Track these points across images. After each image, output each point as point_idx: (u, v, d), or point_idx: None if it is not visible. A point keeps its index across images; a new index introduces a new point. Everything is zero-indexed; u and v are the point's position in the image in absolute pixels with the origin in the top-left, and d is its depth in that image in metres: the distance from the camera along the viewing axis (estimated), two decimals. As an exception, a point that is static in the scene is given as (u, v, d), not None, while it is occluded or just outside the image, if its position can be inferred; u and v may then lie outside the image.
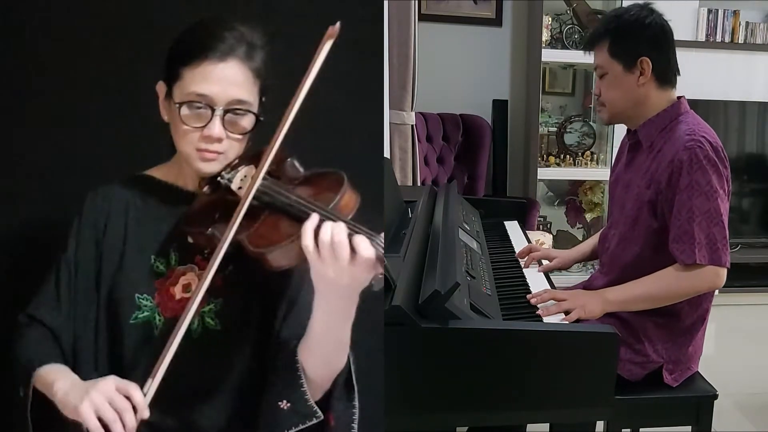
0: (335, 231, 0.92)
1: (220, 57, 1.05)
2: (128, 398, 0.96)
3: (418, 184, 3.18)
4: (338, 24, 1.01)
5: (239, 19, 1.10)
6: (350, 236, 0.93)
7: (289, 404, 1.01)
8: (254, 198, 1.02)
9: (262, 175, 1.02)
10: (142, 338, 1.10)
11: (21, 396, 1.05)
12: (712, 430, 1.60)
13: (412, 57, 2.99)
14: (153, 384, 0.97)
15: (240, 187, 1.07)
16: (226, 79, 1.06)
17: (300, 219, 0.96)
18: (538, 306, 1.45)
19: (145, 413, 0.96)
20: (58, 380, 1.03)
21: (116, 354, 1.11)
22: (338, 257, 0.92)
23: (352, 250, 0.92)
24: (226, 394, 1.10)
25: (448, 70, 3.63)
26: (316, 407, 1.02)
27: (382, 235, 0.95)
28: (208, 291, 1.05)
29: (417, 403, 1.18)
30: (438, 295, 1.13)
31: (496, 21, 3.71)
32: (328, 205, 0.97)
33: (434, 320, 1.15)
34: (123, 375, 1.08)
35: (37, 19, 1.30)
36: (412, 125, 3.10)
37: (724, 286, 1.46)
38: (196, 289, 1.01)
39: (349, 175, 1.05)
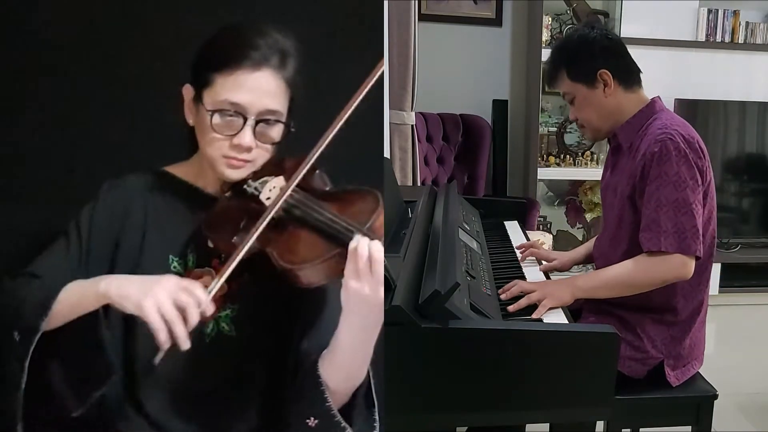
0: (374, 249, 0.93)
1: (254, 66, 1.05)
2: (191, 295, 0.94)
3: (418, 184, 3.18)
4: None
5: (273, 25, 1.09)
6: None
7: (317, 421, 1.01)
8: (284, 211, 1.02)
9: (293, 184, 1.02)
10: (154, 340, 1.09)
11: (18, 341, 1.00)
12: (712, 430, 1.60)
13: (412, 57, 2.99)
14: (218, 283, 0.96)
15: (268, 198, 1.06)
16: (260, 89, 1.05)
17: (332, 236, 0.97)
18: (508, 300, 1.44)
19: (209, 310, 0.95)
20: (102, 280, 0.99)
21: (129, 353, 1.09)
22: (375, 274, 0.93)
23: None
24: (240, 401, 1.10)
25: (448, 70, 3.63)
26: (343, 422, 1.01)
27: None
28: (224, 296, 1.05)
29: (417, 403, 1.18)
30: (438, 295, 1.13)
31: (496, 21, 3.71)
32: (364, 224, 0.97)
33: (434, 320, 1.14)
34: (134, 376, 1.09)
35: (37, 19, 1.30)
36: (412, 125, 3.10)
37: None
38: (210, 287, 1.00)
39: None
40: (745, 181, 3.81)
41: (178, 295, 0.94)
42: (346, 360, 1.01)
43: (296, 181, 1.02)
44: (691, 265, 1.45)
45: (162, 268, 1.11)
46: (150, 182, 1.15)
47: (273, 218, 1.02)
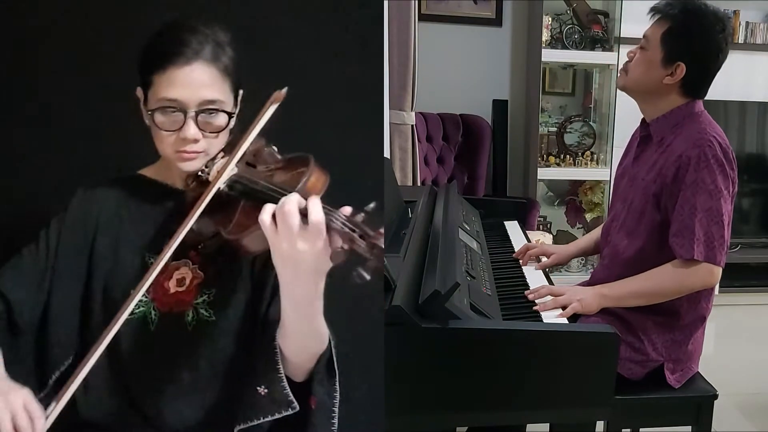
0: (285, 201, 0.94)
1: (185, 61, 1.07)
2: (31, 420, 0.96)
3: (418, 184, 3.18)
4: (285, 90, 1.05)
5: (204, 20, 1.11)
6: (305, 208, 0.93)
7: (266, 390, 1.02)
8: (229, 188, 1.05)
9: (234, 159, 1.05)
10: (138, 333, 1.11)
11: None
12: (712, 430, 1.60)
13: (412, 57, 2.99)
14: (56, 409, 0.98)
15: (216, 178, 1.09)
16: (194, 82, 1.08)
17: (266, 202, 0.97)
18: (536, 301, 1.46)
19: None
20: None
21: (114, 349, 1.10)
22: (288, 225, 0.92)
23: (303, 217, 0.92)
24: (215, 383, 1.12)
25: (448, 70, 3.63)
26: (292, 397, 1.02)
27: (348, 210, 0.95)
28: (200, 284, 1.08)
29: (417, 403, 1.18)
30: (438, 295, 1.14)
31: (496, 21, 3.71)
32: (295, 186, 0.99)
33: (434, 320, 1.15)
34: (121, 370, 1.12)
35: (33, 22, 1.30)
36: (412, 125, 3.10)
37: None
38: (194, 278, 1.02)
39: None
40: (745, 181, 3.80)
41: (17, 413, 0.95)
42: (294, 329, 1.01)
43: (235, 160, 1.05)
44: (718, 273, 1.45)
45: (138, 266, 1.13)
46: (121, 186, 1.19)
47: (222, 198, 1.05)
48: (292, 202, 0.93)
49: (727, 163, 1.45)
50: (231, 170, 1.06)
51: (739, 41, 3.68)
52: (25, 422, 0.95)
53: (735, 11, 3.64)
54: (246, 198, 1.04)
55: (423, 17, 3.48)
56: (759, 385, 2.71)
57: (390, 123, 3.00)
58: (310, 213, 0.92)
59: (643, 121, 1.63)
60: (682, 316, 1.54)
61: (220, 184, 1.05)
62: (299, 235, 0.92)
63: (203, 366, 1.11)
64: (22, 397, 0.98)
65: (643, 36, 1.56)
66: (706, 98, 1.63)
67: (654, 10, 1.55)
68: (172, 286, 1.13)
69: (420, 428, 1.23)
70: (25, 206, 1.28)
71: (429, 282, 1.22)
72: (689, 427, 1.57)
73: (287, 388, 1.02)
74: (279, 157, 1.10)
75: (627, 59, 1.60)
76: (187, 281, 1.12)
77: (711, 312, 1.60)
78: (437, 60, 3.53)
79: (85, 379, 0.99)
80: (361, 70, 1.31)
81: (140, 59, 1.11)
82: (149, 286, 1.05)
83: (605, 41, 3.60)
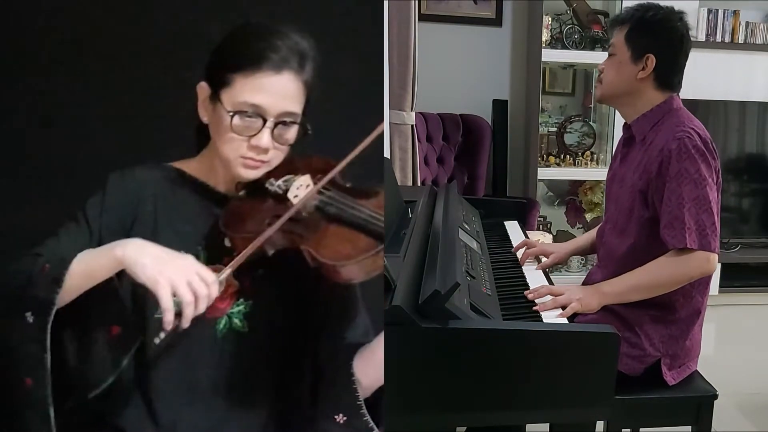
0: None
1: (275, 68, 1.05)
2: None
3: (418, 184, 3.18)
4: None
5: (291, 26, 1.09)
6: None
7: (345, 418, 1.01)
8: (318, 209, 1.03)
9: (325, 181, 1.03)
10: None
11: (33, 321, 0.96)
12: (712, 430, 1.60)
13: (412, 57, 2.99)
14: (226, 271, 0.97)
15: (296, 196, 1.07)
16: (280, 92, 1.06)
17: (372, 232, 0.97)
18: (536, 301, 1.46)
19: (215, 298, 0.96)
20: (117, 245, 0.97)
21: (138, 347, 1.07)
22: None
23: None
24: (248, 397, 1.10)
25: (448, 70, 3.63)
26: (371, 422, 1.02)
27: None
28: (237, 292, 1.05)
29: (417, 403, 1.18)
30: (438, 295, 1.13)
31: (496, 21, 3.71)
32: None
33: (434, 320, 1.14)
34: (145, 366, 1.09)
35: (38, 20, 1.30)
36: (412, 125, 3.10)
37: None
38: (229, 285, 1.01)
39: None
40: (745, 181, 3.80)
41: (193, 279, 0.94)
42: (381, 353, 1.01)
43: (333, 174, 1.04)
44: (714, 260, 1.46)
45: None
46: (160, 175, 1.15)
47: (305, 216, 1.03)
48: None
49: (708, 152, 1.47)
50: (314, 190, 1.04)
51: (739, 41, 3.67)
52: (203, 288, 0.94)
53: (735, 11, 3.64)
54: (336, 221, 1.02)
55: (423, 17, 3.49)
56: (759, 385, 2.71)
57: (390, 123, 3.00)
58: None
59: (625, 123, 1.66)
60: (677, 310, 1.55)
61: (305, 201, 1.02)
62: None
63: (224, 377, 1.09)
64: (191, 261, 0.96)
65: (610, 45, 1.63)
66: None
67: (613, 21, 1.65)
68: None
69: (420, 428, 1.23)
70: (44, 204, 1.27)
71: (429, 282, 1.22)
72: (689, 427, 1.57)
73: (366, 414, 1.01)
74: (344, 181, 1.09)
75: (599, 71, 1.66)
76: (222, 288, 1.09)
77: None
78: (437, 60, 3.53)
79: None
80: (361, 70, 1.31)
81: (219, 55, 1.08)
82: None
83: (605, 41, 3.59)
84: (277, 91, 1.05)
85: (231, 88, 1.06)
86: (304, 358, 1.08)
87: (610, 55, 1.62)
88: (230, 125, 1.05)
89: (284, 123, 1.07)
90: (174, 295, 0.92)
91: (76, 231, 1.09)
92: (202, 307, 0.94)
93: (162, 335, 0.94)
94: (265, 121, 1.05)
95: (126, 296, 1.04)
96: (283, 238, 1.01)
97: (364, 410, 1.01)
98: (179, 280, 0.93)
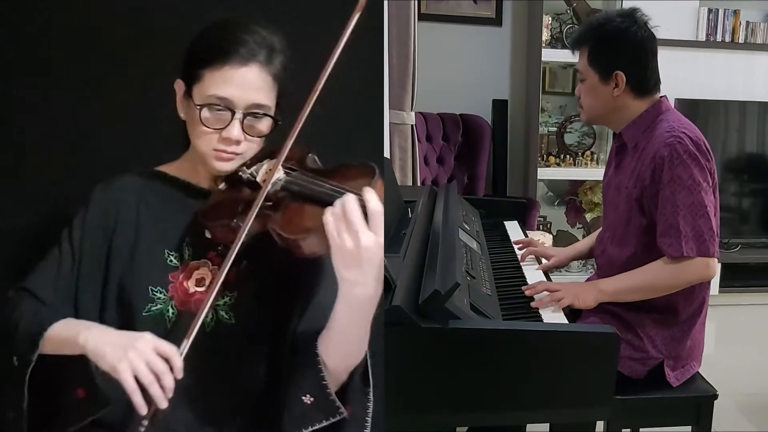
0: (346, 199, 0.95)
1: (241, 61, 1.07)
2: (166, 360, 0.95)
3: (418, 184, 3.18)
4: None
5: (260, 22, 1.11)
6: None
7: (312, 399, 1.01)
8: (283, 189, 1.05)
9: (281, 160, 1.04)
10: (154, 330, 1.08)
11: (17, 366, 1.03)
12: (712, 430, 1.60)
13: (412, 57, 2.99)
14: (187, 344, 0.97)
15: (265, 180, 1.08)
16: (247, 84, 1.08)
17: (330, 204, 0.97)
18: (534, 297, 1.47)
19: (180, 375, 0.96)
20: (82, 331, 1.00)
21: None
22: (352, 220, 0.93)
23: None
24: (240, 389, 1.10)
25: (448, 70, 3.63)
26: (338, 403, 1.02)
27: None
28: (222, 284, 1.05)
29: (417, 403, 1.18)
30: (438, 295, 1.13)
31: (496, 21, 3.71)
32: (359, 190, 0.99)
33: (434, 320, 1.15)
34: None
35: (38, 20, 1.30)
36: (412, 125, 3.10)
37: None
38: (215, 279, 1.02)
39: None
40: (745, 181, 3.80)
41: (150, 359, 0.95)
42: (343, 336, 1.01)
43: (285, 152, 1.04)
44: (714, 265, 1.45)
45: (158, 264, 1.12)
46: (141, 181, 1.17)
47: (272, 198, 1.04)
48: (353, 199, 0.95)
49: (701, 155, 1.45)
50: (279, 171, 1.05)
51: (739, 41, 3.67)
52: (162, 365, 0.94)
53: (735, 11, 3.64)
54: (300, 198, 1.03)
55: (423, 17, 3.48)
56: (759, 385, 2.71)
57: (390, 123, 3.00)
58: (368, 202, 0.94)
59: (614, 133, 1.65)
60: (679, 312, 1.55)
61: (271, 184, 1.04)
62: (362, 231, 0.93)
63: (220, 369, 1.09)
64: (149, 341, 0.96)
65: (577, 71, 1.62)
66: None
67: (571, 45, 1.63)
68: (191, 285, 1.12)
69: (420, 428, 1.23)
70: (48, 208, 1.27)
71: (429, 282, 1.22)
72: (689, 427, 1.57)
73: (333, 395, 1.01)
74: (320, 164, 1.11)
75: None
76: (207, 281, 1.11)
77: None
78: (437, 60, 3.53)
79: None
80: (361, 70, 1.30)
81: (191, 52, 1.10)
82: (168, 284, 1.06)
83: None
84: (244, 83, 1.07)
85: (201, 82, 1.08)
86: (284, 341, 1.09)
87: (581, 80, 1.60)
88: (200, 118, 1.08)
89: (254, 115, 1.09)
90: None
91: (60, 257, 1.13)
92: (168, 381, 0.94)
93: (145, 423, 0.94)
94: (233, 113, 1.07)
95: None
96: (256, 223, 1.03)
97: (330, 390, 1.01)
98: (138, 364, 0.94)
